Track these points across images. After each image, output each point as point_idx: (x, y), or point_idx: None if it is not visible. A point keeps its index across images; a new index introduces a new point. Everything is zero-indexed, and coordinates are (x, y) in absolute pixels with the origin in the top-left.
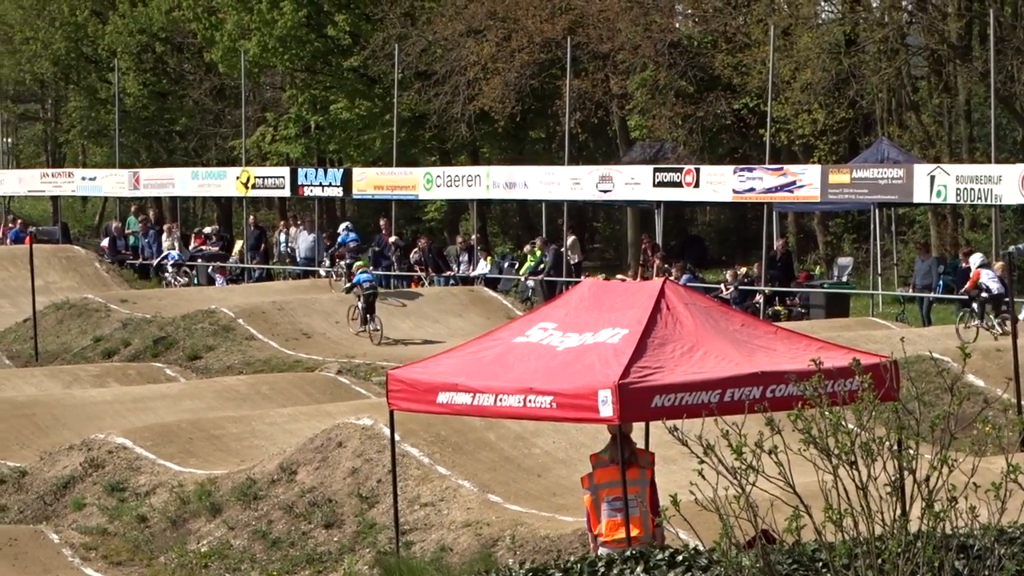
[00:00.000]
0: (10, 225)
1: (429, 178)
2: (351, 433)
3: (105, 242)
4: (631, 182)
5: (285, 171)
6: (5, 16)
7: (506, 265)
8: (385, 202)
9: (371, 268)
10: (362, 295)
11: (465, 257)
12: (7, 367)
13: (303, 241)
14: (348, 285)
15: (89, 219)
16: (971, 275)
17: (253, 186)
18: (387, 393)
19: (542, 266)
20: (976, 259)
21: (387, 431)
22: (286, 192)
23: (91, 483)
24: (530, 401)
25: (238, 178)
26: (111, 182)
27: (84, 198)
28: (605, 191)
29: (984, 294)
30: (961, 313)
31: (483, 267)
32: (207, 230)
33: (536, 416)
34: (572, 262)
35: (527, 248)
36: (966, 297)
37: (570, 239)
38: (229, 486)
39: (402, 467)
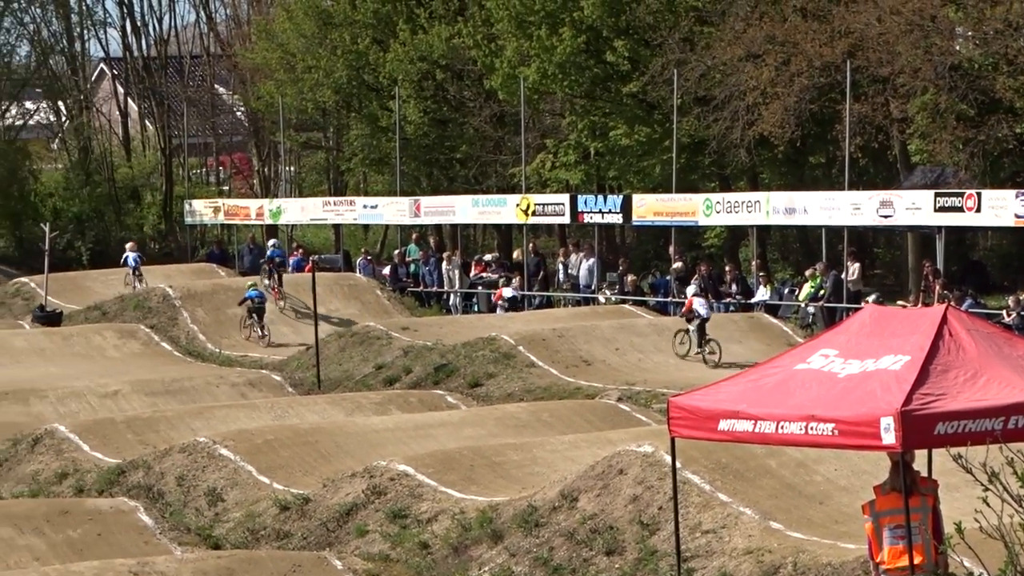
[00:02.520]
0: (293, 253)
1: (709, 204)
2: (632, 460)
3: (387, 270)
4: (912, 207)
5: (565, 198)
6: (287, 45)
7: (786, 291)
8: (665, 228)
9: (263, 284)
10: (253, 308)
11: (735, 288)
12: (290, 395)
13: (583, 268)
14: (241, 299)
15: (370, 247)
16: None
17: (533, 213)
18: (668, 420)
19: (822, 292)
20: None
21: (668, 458)
22: (566, 219)
23: (373, 510)
24: (812, 428)
25: (518, 205)
26: (392, 210)
27: (365, 226)
28: (886, 216)
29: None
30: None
31: (763, 293)
32: (487, 257)
33: (818, 443)
34: (852, 288)
35: (807, 274)
36: None
37: (853, 266)
38: (510, 513)
39: (683, 494)
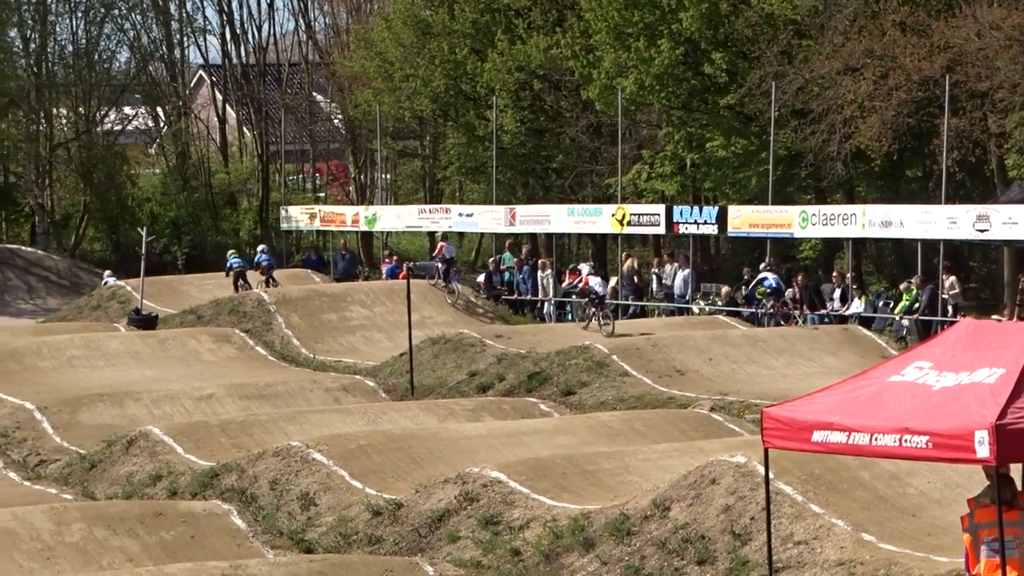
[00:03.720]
0: (386, 260)
1: (804, 216)
2: (724, 470)
3: (481, 277)
4: (1008, 221)
5: (660, 208)
6: (386, 54)
7: (880, 304)
8: (760, 240)
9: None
10: (238, 272)
11: (838, 294)
12: (383, 401)
13: (678, 278)
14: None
15: (465, 255)
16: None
17: (628, 223)
18: (762, 431)
19: (917, 305)
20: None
21: (760, 469)
22: (661, 229)
23: (465, 516)
24: (905, 441)
25: (613, 215)
26: (488, 218)
27: (461, 234)
28: (982, 231)
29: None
30: None
31: (857, 306)
32: (581, 266)
33: (911, 456)
34: (951, 303)
35: (903, 287)
36: None
37: (950, 279)
38: (602, 521)
39: (775, 505)
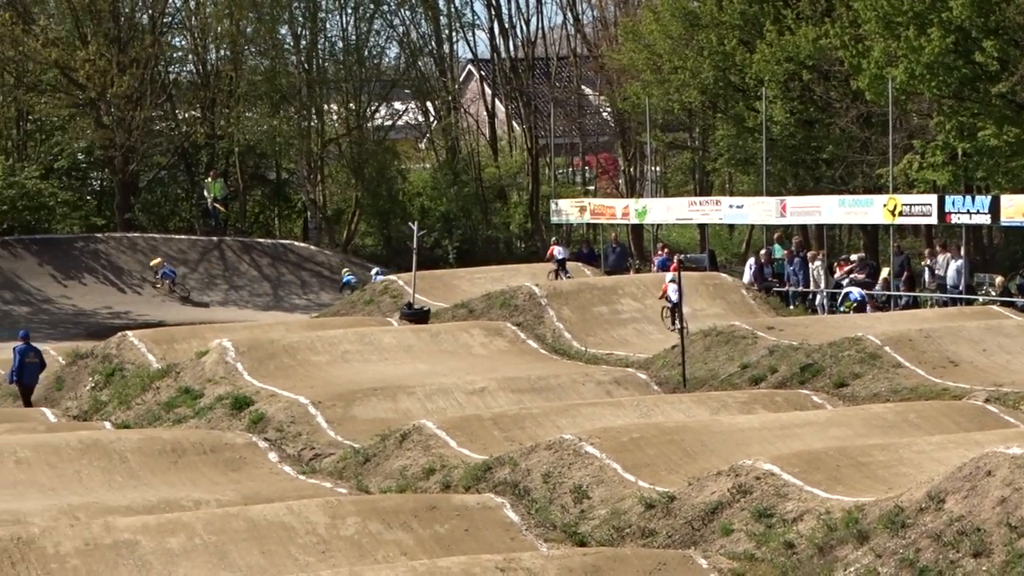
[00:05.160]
0: (658, 252)
1: None
2: (1000, 462)
3: (748, 270)
4: None
5: (932, 198)
6: (654, 46)
7: None
8: None
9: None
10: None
11: None
12: (655, 393)
13: (951, 269)
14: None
15: (735, 247)
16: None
17: (900, 213)
18: None
19: None
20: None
21: None
22: (932, 220)
23: (739, 509)
24: None
25: (885, 205)
26: (758, 210)
27: (730, 226)
28: None
29: None
30: None
31: None
32: (852, 257)
33: None
34: None
35: None
36: None
37: None
38: (876, 513)
39: None
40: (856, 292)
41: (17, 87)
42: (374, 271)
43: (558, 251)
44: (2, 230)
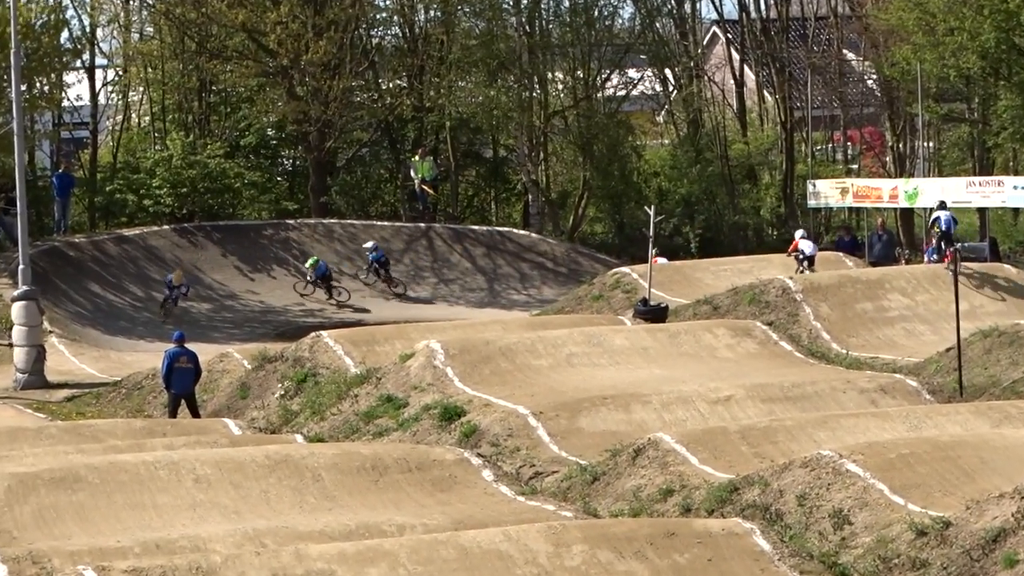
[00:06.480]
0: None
1: None
2: None
3: None
4: None
5: None
6: (927, 5)
7: None
8: None
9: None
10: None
11: None
12: (927, 402)
13: None
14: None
15: (1020, 234)
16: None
17: None
18: None
19: None
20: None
21: None
22: None
23: None
24: None
25: None
26: None
27: (1015, 210)
28: None
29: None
30: None
31: None
32: None
33: None
34: None
35: None
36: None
37: None
38: None
39: None
40: None
41: (199, 54)
42: (368, 244)
43: (806, 246)
44: (181, 216)
